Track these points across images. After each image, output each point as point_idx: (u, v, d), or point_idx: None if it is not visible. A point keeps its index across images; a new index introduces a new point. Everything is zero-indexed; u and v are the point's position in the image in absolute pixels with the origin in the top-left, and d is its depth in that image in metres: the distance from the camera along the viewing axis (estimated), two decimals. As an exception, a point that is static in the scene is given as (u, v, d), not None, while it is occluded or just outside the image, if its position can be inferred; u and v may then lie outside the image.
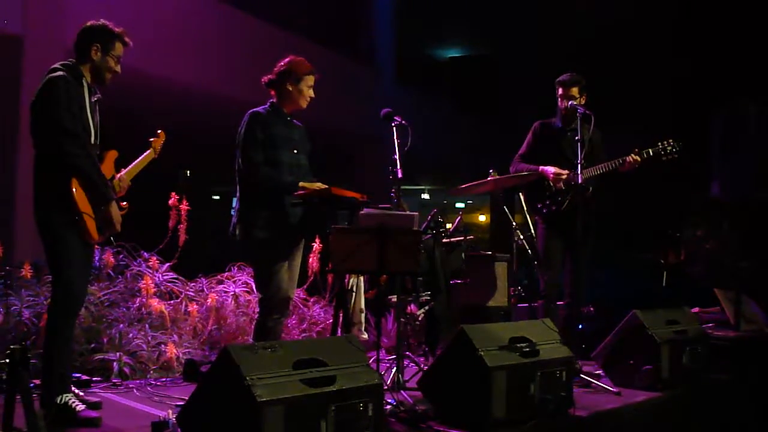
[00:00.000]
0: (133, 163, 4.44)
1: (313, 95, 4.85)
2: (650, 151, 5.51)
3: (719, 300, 7.21)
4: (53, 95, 3.90)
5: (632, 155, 5.48)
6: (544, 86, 5.97)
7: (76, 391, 4.17)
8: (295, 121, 4.92)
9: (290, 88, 4.77)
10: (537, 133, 5.87)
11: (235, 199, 4.77)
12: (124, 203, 4.24)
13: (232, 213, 4.75)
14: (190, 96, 10.50)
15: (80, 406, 3.92)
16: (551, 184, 5.65)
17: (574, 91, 5.61)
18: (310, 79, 4.81)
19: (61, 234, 3.91)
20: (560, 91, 5.68)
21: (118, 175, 4.29)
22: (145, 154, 4.53)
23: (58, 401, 3.88)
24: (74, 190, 3.89)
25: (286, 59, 4.84)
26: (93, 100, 4.13)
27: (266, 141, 4.66)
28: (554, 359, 4.32)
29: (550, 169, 5.62)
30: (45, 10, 7.72)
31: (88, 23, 4.16)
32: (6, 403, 2.99)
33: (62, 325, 3.97)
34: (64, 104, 3.89)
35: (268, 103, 4.84)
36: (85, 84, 4.08)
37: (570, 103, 5.54)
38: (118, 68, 4.21)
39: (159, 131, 4.66)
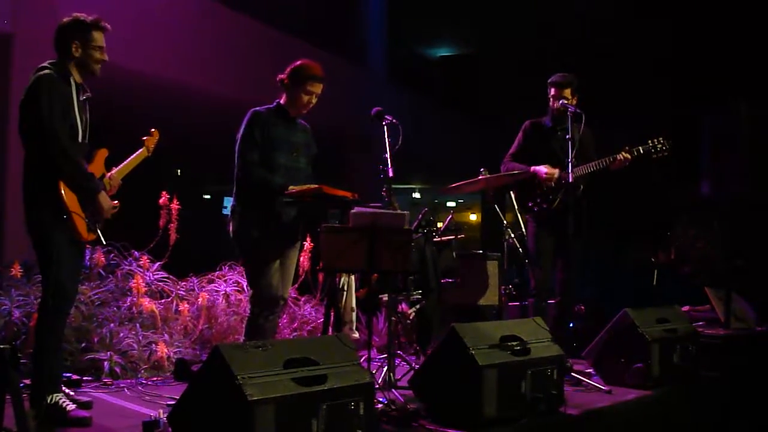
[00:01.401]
0: (125, 162, 4.40)
1: (312, 102, 4.74)
2: (640, 149, 5.52)
3: (709, 298, 7.25)
4: (37, 94, 3.89)
5: (623, 153, 5.49)
6: (535, 85, 5.97)
7: (67, 390, 4.15)
8: (301, 122, 4.88)
9: (291, 91, 4.73)
10: (527, 132, 5.87)
11: (228, 198, 4.75)
12: (116, 201, 4.21)
13: (224, 212, 4.73)
14: (182, 95, 10.46)
15: (71, 406, 3.91)
16: (542, 182, 5.65)
17: (567, 92, 5.60)
18: (312, 86, 4.69)
19: (50, 233, 3.89)
20: (552, 91, 5.68)
21: (109, 174, 4.26)
22: (137, 152, 4.48)
23: (49, 401, 3.87)
24: (63, 189, 3.87)
25: (299, 61, 4.76)
26: (82, 99, 4.10)
27: (264, 142, 4.62)
28: (545, 357, 4.33)
29: (541, 169, 5.63)
30: (35, 9, 7.67)
31: (63, 20, 4.10)
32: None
33: (52, 325, 3.96)
34: (46, 103, 3.87)
35: (274, 103, 4.79)
36: (73, 82, 4.05)
37: (561, 102, 5.55)
38: (104, 56, 4.15)
39: (152, 130, 4.61)
